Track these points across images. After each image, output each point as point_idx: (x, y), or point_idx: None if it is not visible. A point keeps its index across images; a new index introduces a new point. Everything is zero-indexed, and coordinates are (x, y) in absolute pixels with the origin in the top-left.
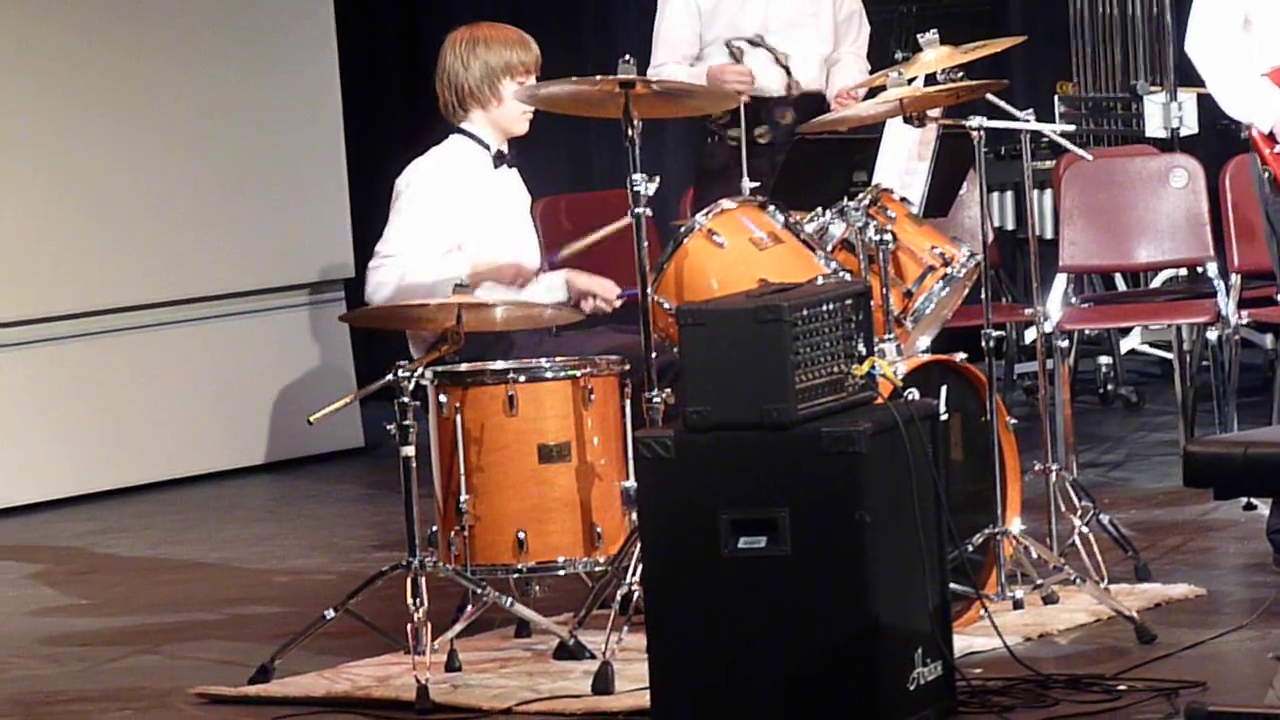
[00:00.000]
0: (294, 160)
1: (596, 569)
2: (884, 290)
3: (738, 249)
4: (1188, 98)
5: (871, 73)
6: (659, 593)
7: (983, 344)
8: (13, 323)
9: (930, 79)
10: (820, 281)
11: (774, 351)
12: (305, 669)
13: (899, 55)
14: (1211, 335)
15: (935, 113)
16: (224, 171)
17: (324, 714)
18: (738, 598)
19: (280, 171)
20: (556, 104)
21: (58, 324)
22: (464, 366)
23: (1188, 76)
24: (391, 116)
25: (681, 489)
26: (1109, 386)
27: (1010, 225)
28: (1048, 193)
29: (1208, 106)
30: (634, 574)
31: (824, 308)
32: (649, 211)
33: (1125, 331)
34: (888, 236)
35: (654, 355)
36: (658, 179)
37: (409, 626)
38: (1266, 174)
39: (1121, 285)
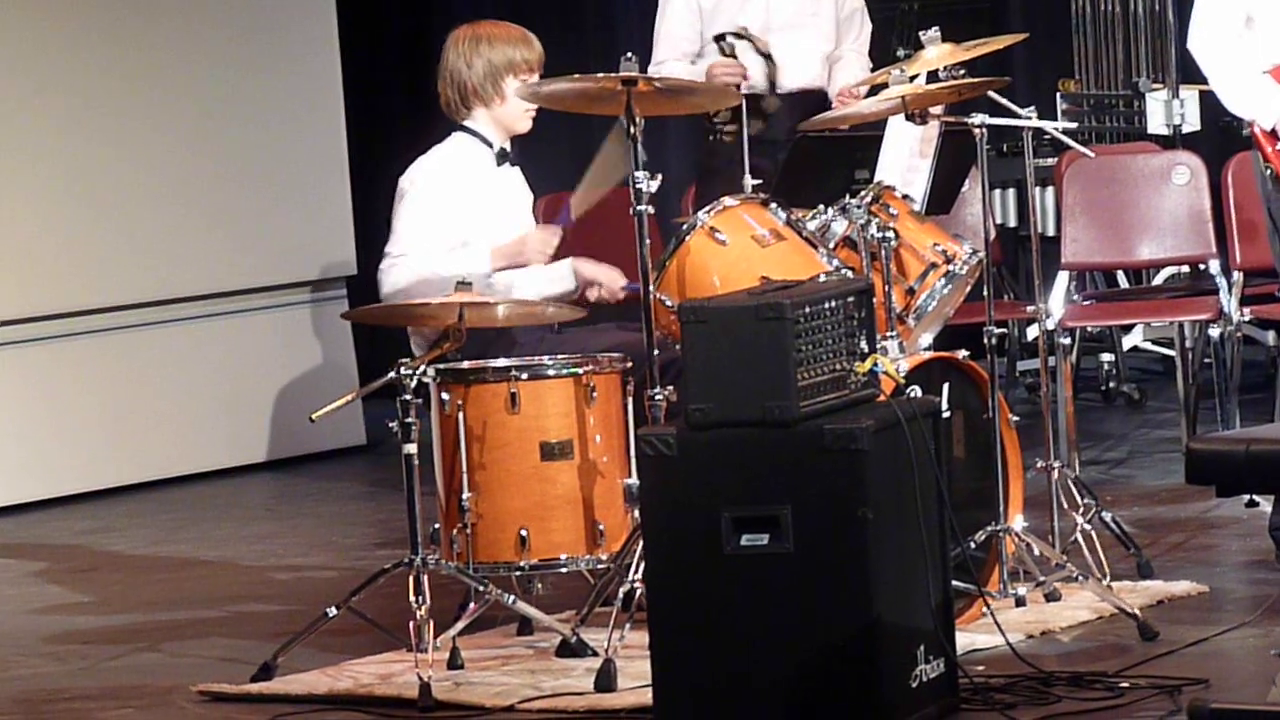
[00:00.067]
0: (296, 157)
1: (599, 566)
2: (886, 287)
3: (740, 246)
4: (1189, 95)
5: (873, 70)
6: (661, 590)
7: (985, 341)
8: (14, 320)
9: (932, 76)
10: (822, 279)
11: (776, 349)
12: (307, 667)
13: (901, 53)
14: (1213, 332)
15: (937, 110)
16: (226, 168)
17: (326, 712)
18: (740, 595)
19: (282, 168)
20: (558, 101)
21: (59, 321)
22: (466, 364)
23: (1190, 74)
24: (393, 114)
25: (684, 486)
26: (1111, 384)
27: (1012, 222)
28: (1050, 190)
29: (1210, 104)
30: (636, 571)
31: (826, 305)
32: (651, 209)
33: (1127, 329)
34: (890, 234)
35: (656, 353)
36: (660, 176)
37: (411, 624)
38: (1268, 171)
39: (1123, 282)
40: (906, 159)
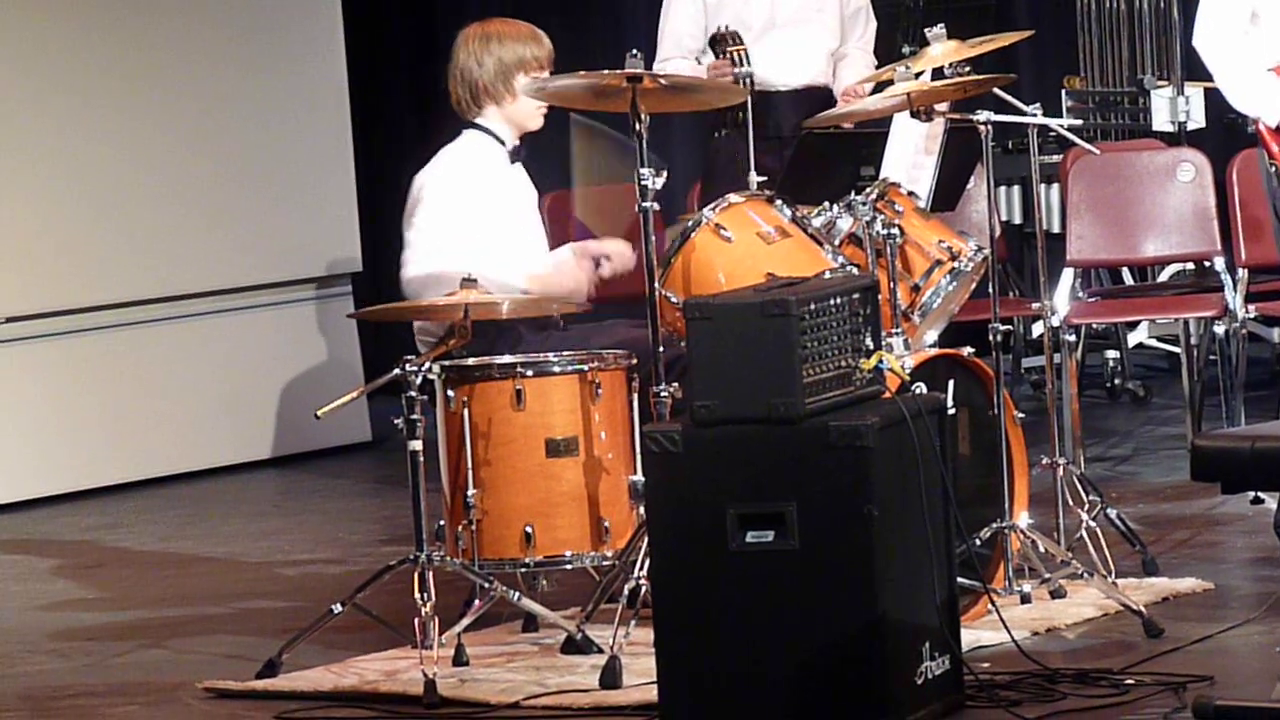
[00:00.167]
0: (301, 154)
1: (604, 563)
2: (891, 284)
3: (745, 243)
4: (1195, 92)
5: (878, 67)
6: (666, 587)
7: (990, 338)
8: (19, 317)
9: (937, 73)
10: (827, 276)
11: (781, 346)
12: (312, 663)
13: (906, 50)
14: (1219, 329)
15: (942, 107)
16: (231, 166)
17: (331, 708)
18: (745, 592)
19: (287, 166)
20: (564, 98)
21: (64, 319)
22: (471, 361)
23: (1195, 71)
24: (399, 111)
25: (689, 483)
26: (1116, 380)
27: (1017, 219)
28: (1055, 187)
29: (1215, 101)
30: (641, 568)
31: (831, 302)
32: (656, 205)
33: (1132, 325)
34: (895, 231)
35: (661, 349)
36: (665, 173)
37: (416, 621)
38: (1274, 168)
39: (1129, 279)
40: (912, 156)
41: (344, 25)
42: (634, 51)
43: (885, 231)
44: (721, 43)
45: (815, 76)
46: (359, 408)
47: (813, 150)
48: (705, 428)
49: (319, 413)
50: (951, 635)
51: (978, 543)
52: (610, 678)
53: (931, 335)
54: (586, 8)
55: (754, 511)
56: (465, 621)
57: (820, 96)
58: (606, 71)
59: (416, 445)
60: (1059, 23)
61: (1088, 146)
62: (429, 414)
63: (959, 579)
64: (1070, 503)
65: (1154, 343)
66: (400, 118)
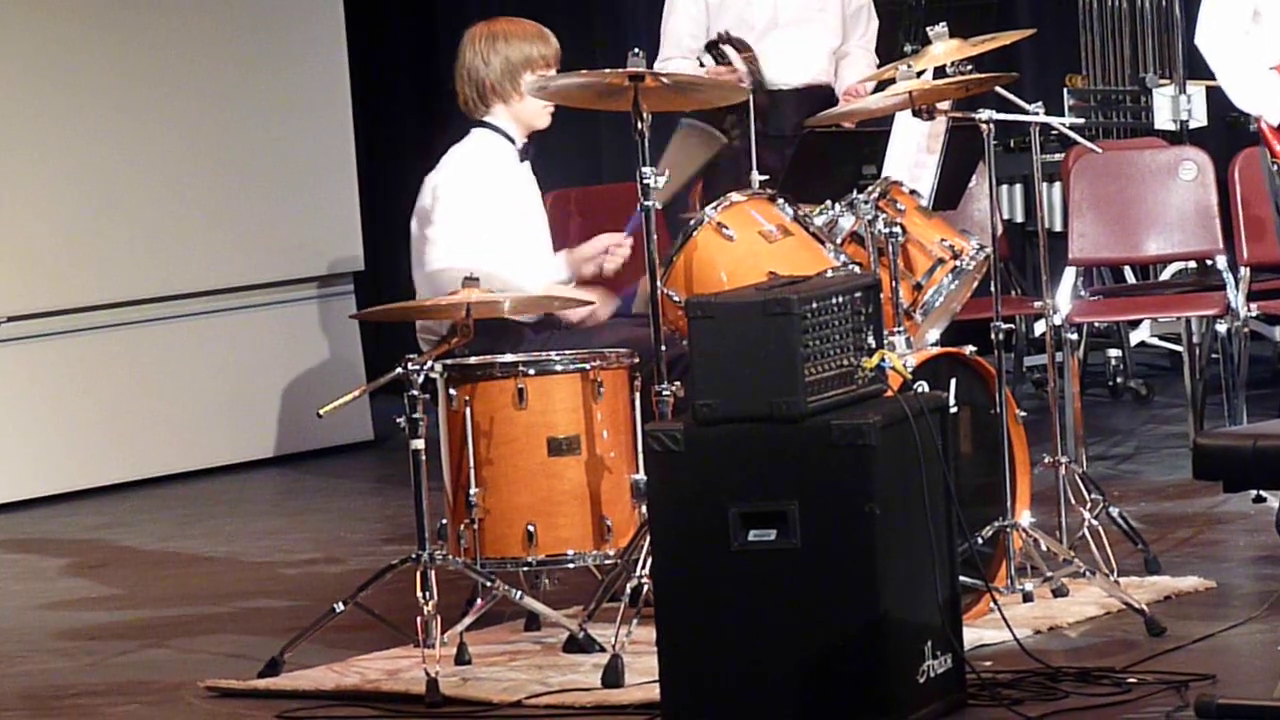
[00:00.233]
0: (303, 153)
1: (606, 562)
2: (893, 283)
3: (747, 242)
4: (1197, 90)
5: (880, 66)
6: (668, 586)
7: (992, 337)
8: (21, 316)
9: (939, 72)
10: (829, 274)
11: (783, 344)
12: (314, 662)
13: (908, 48)
14: (1221, 328)
15: (944, 106)
16: (233, 165)
17: (333, 707)
18: (747, 591)
19: (289, 165)
20: (566, 97)
21: (66, 317)
22: (473, 360)
23: (1197, 69)
24: (401, 110)
25: (691, 482)
26: (1118, 379)
27: (1019, 218)
28: (1057, 185)
29: (1217, 99)
30: (644, 567)
31: (833, 300)
32: (658, 204)
33: (1134, 324)
34: (897, 229)
35: (663, 348)
36: (667, 171)
37: (418, 620)
38: (1275, 166)
39: (1131, 278)
40: (914, 154)
41: (347, 24)
42: (636, 50)
43: (887, 230)
44: (718, 48)
45: (817, 75)
46: (361, 407)
47: (815, 149)
48: (707, 426)
49: (321, 411)
50: (953, 634)
51: (980, 541)
52: (612, 677)
53: (933, 334)
54: (588, 7)
55: (756, 510)
56: (467, 620)
57: (822, 95)
58: (609, 70)
59: (418, 444)
60: (1061, 21)
61: (1090, 145)
62: (431, 413)
63: (961, 578)
64: (1072, 501)
65: (1156, 341)
66: (402, 116)
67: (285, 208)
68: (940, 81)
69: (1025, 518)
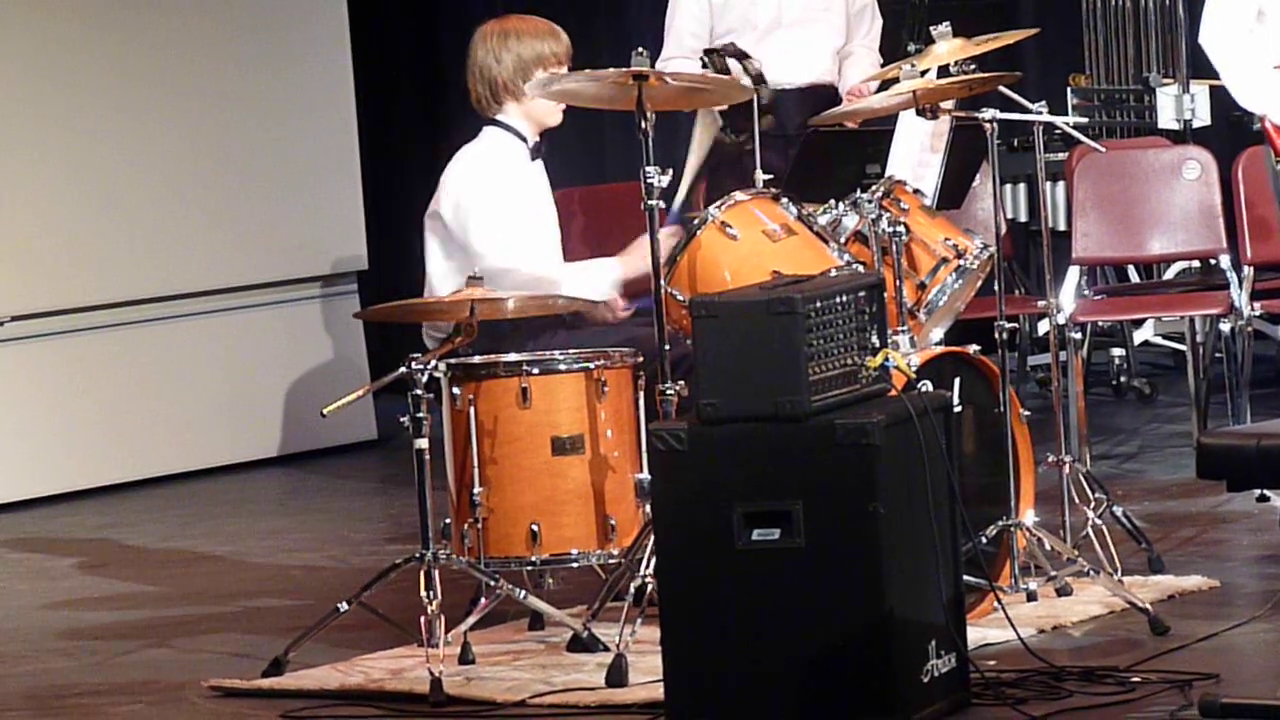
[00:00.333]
0: (307, 152)
1: (610, 561)
2: (897, 282)
3: (751, 241)
4: (1200, 90)
5: (884, 65)
6: (673, 585)
7: (996, 336)
8: (23, 316)
9: (943, 71)
10: (833, 274)
11: (787, 344)
12: (318, 662)
13: (912, 47)
14: (1224, 327)
15: (948, 105)
16: (236, 164)
17: (337, 707)
18: (751, 590)
19: (293, 164)
20: (568, 96)
21: (68, 317)
22: (477, 359)
23: (1200, 68)
24: (405, 109)
25: (695, 481)
26: (1122, 378)
27: (1023, 217)
28: (1060, 185)
29: (1220, 98)
30: (647, 566)
31: (837, 300)
32: (662, 204)
33: (1138, 323)
34: (901, 228)
35: (667, 347)
36: (670, 171)
37: (422, 619)
38: (1279, 166)
39: (1134, 277)
40: (918, 154)
41: (351, 23)
42: (640, 49)
43: (891, 229)
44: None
45: (821, 75)
46: (365, 406)
47: (818, 148)
48: (711, 425)
49: (325, 411)
50: (957, 633)
51: (984, 540)
52: (616, 676)
53: (937, 333)
54: (591, 6)
55: (760, 509)
56: (471, 620)
57: (826, 95)
58: (612, 69)
59: (422, 443)
60: (1064, 20)
61: (1093, 144)
62: (435, 412)
63: (965, 577)
64: (1076, 500)
65: (1160, 340)
66: (406, 115)
67: (289, 207)
68: (944, 81)
69: (1029, 517)
